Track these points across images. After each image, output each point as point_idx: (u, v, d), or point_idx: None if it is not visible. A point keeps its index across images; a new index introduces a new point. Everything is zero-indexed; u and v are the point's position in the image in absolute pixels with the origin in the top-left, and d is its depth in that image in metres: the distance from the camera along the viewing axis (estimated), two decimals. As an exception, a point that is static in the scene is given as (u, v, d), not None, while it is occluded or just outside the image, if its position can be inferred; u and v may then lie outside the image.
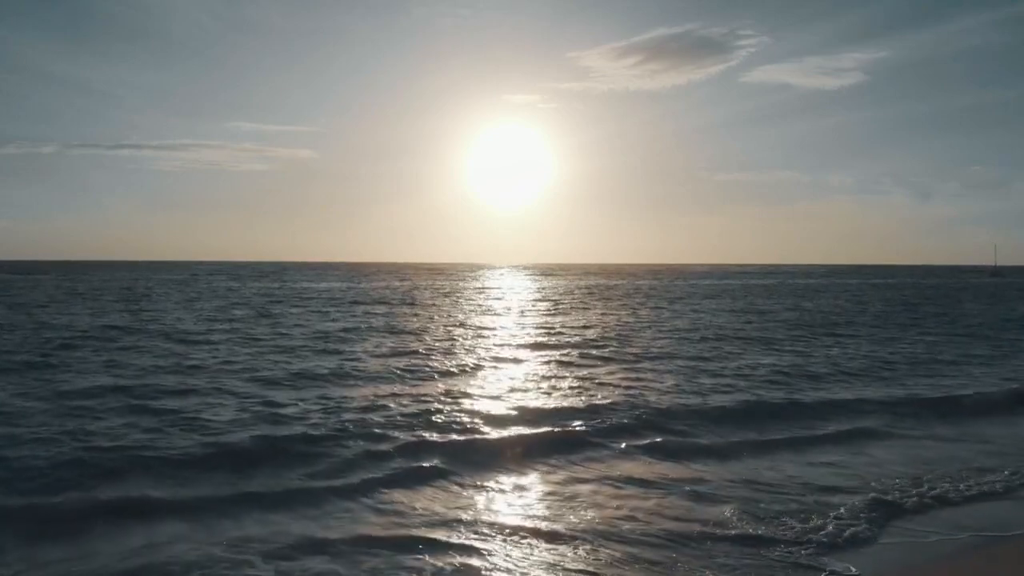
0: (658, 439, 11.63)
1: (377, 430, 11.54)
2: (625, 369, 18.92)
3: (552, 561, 7.14)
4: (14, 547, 7.34)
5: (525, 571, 6.90)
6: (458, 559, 7.17)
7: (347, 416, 12.57)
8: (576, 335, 27.30)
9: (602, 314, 39.03)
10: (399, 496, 8.89)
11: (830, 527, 8.02)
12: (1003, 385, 17.39)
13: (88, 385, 15.08)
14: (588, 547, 7.45)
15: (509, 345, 24.08)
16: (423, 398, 14.41)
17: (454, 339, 25.75)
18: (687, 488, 9.35)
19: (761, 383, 16.93)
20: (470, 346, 23.65)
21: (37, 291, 56.40)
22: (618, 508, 8.58)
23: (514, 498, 8.97)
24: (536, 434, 11.66)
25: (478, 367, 18.92)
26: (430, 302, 49.12)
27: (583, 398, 14.65)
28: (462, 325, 31.56)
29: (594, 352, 22.16)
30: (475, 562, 7.11)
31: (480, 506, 8.65)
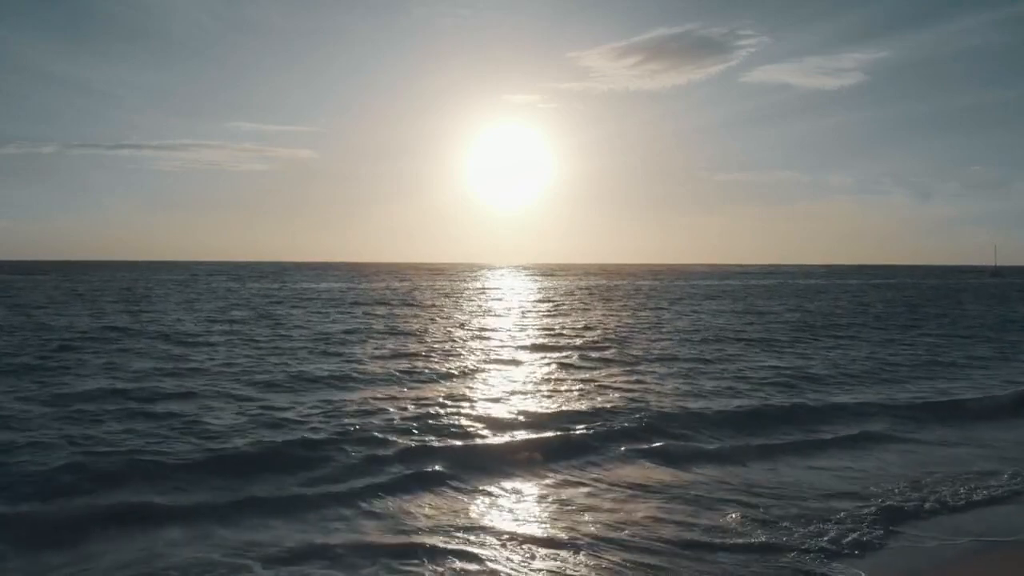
0: (660, 443, 11.58)
1: (377, 434, 11.49)
2: (626, 371, 18.88)
3: (552, 568, 7.10)
4: (14, 554, 7.31)
5: (526, 579, 6.86)
6: (458, 565, 7.13)
7: (347, 420, 12.53)
8: (577, 337, 27.25)
9: (603, 315, 38.99)
10: (399, 502, 8.85)
11: (834, 532, 7.98)
12: (1005, 387, 17.36)
13: (87, 388, 15.04)
14: (589, 554, 7.41)
15: (509, 347, 24.04)
16: (424, 401, 14.36)
17: (454, 341, 25.71)
18: (690, 493, 9.31)
19: (763, 386, 16.89)
20: (470, 348, 23.61)
21: (37, 292, 56.36)
22: (619, 514, 8.54)
23: (515, 504, 8.93)
24: (537, 439, 11.61)
25: (478, 369, 18.88)
26: (430, 303, 49.08)
27: (584, 401, 14.61)
28: (463, 326, 31.53)
29: (595, 354, 22.13)
30: (475, 568, 7.07)
31: (481, 512, 8.61)
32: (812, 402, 15.03)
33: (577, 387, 16.34)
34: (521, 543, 7.65)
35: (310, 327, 29.81)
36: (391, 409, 13.56)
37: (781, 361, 21.15)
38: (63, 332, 25.98)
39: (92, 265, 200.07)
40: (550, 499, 9.10)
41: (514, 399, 14.84)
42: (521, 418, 12.99)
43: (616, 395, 15.36)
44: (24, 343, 22.68)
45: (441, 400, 14.52)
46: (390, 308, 43.20)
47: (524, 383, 16.96)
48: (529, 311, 42.25)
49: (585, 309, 44.25)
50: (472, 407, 13.91)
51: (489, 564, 7.15)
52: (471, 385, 16.56)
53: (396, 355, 21.34)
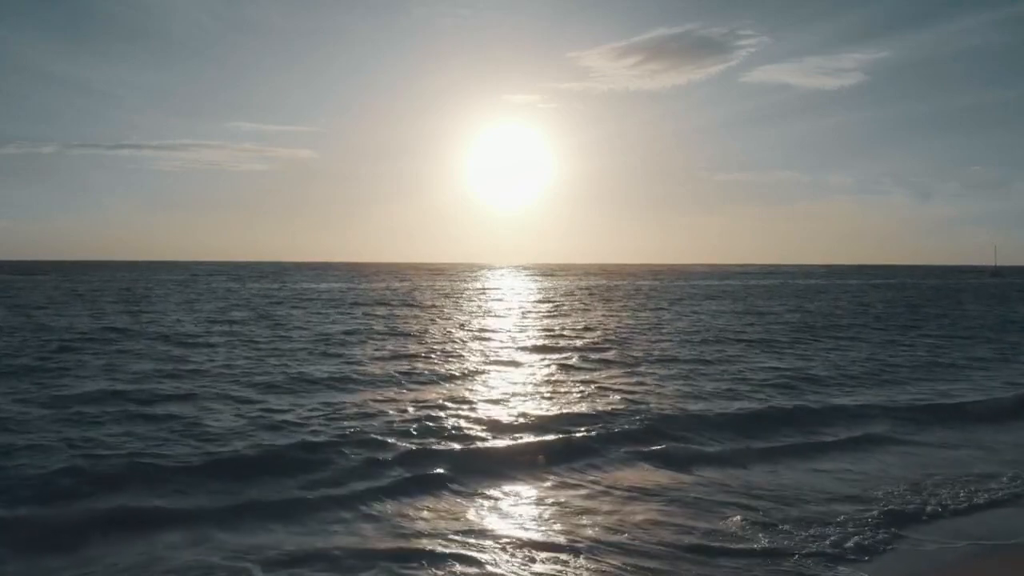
0: (661, 446, 11.56)
1: (377, 437, 11.46)
2: (626, 373, 18.87)
3: (553, 572, 7.09)
4: (13, 557, 7.30)
5: (527, 583, 6.85)
6: (459, 569, 7.12)
7: (347, 423, 12.50)
8: (577, 338, 27.24)
9: (603, 316, 38.98)
10: (400, 505, 8.83)
11: (836, 536, 7.97)
12: (1006, 389, 17.35)
13: (86, 390, 15.01)
14: (589, 557, 7.39)
15: (510, 348, 24.03)
16: (424, 404, 14.34)
17: (455, 342, 25.70)
18: (691, 496, 9.29)
19: (763, 387, 16.87)
20: (471, 349, 23.60)
21: (37, 292, 56.35)
22: (620, 517, 8.52)
23: (515, 507, 8.91)
24: (537, 441, 11.58)
25: (479, 371, 18.86)
26: (430, 303, 49.07)
27: (584, 403, 14.58)
28: (463, 327, 31.51)
29: (595, 355, 22.11)
30: (475, 572, 7.07)
31: (481, 516, 8.58)
32: (813, 404, 15.01)
33: (577, 389, 16.32)
34: (521, 547, 7.63)
35: (310, 328, 29.80)
36: (391, 411, 13.54)
37: (781, 362, 21.14)
38: (63, 333, 25.96)
39: (92, 265, 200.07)
40: (550, 502, 9.07)
41: (514, 401, 14.82)
42: (521, 420, 12.96)
43: (616, 397, 15.34)
44: (24, 344, 22.66)
45: (441, 402, 14.50)
46: (390, 308, 43.19)
47: (524, 385, 16.94)
48: (529, 312, 42.24)
49: (585, 310, 44.24)
50: (472, 409, 13.89)
51: (489, 568, 7.14)
52: (471, 387, 16.54)
53: (396, 356, 21.32)
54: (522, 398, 15.18)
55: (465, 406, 14.14)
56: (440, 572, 7.06)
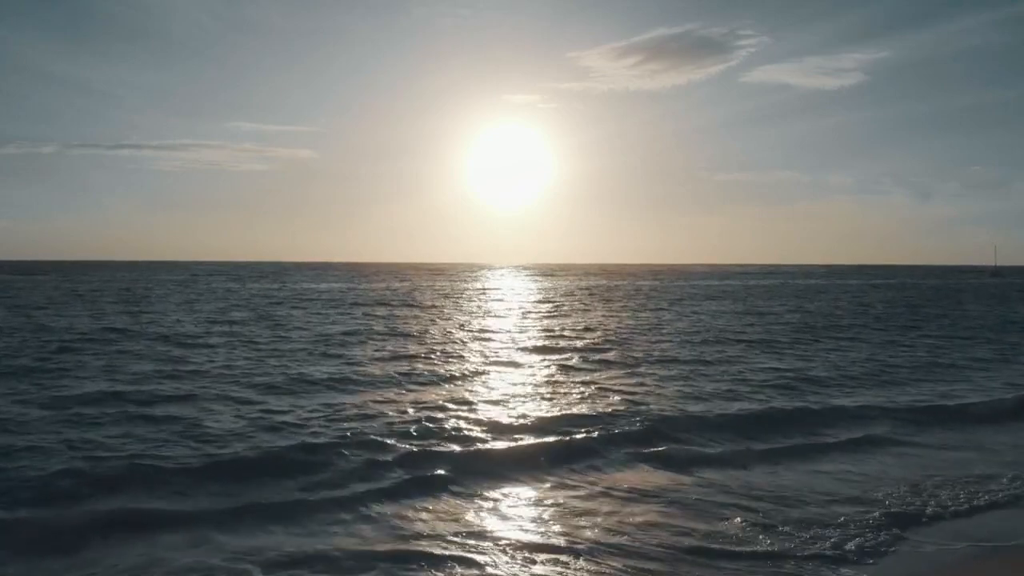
0: (661, 447, 11.55)
1: (378, 438, 11.44)
2: (627, 374, 18.86)
3: (552, 574, 7.08)
4: (13, 559, 7.29)
5: (527, 586, 6.84)
6: (459, 571, 7.12)
7: (347, 424, 12.49)
8: (577, 338, 27.23)
9: (603, 316, 38.97)
10: (400, 507, 8.81)
11: (837, 538, 7.96)
12: (1006, 390, 17.34)
13: (86, 391, 15.01)
14: (589, 559, 7.38)
15: (510, 349, 24.02)
16: (424, 405, 14.33)
17: (455, 342, 25.70)
18: (691, 498, 9.28)
19: (764, 388, 16.86)
20: (471, 350, 23.59)
21: (36, 292, 56.35)
22: (620, 519, 8.51)
23: (515, 509, 8.90)
24: (538, 443, 11.57)
25: (479, 372, 18.85)
26: (430, 303, 49.07)
27: (585, 405, 14.57)
28: (463, 328, 31.50)
29: (596, 356, 22.11)
30: (475, 574, 7.06)
31: (481, 518, 8.57)
32: (813, 405, 14.99)
33: (578, 390, 16.31)
34: (521, 549, 7.62)
35: (310, 328, 29.79)
36: (391, 412, 13.53)
37: (782, 363, 21.13)
38: (62, 334, 25.95)
39: (92, 265, 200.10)
40: (550, 504, 9.07)
41: (514, 402, 14.80)
42: (521, 422, 12.95)
43: (617, 398, 15.33)
44: (23, 345, 22.65)
45: (441, 403, 14.49)
46: (390, 309, 43.19)
47: (524, 386, 16.93)
48: (529, 312, 42.23)
49: (585, 310, 44.24)
50: (472, 410, 13.88)
51: (489, 570, 7.13)
52: (471, 388, 16.53)
53: (396, 357, 21.31)
54: (522, 399, 15.17)
55: (465, 407, 14.13)
56: (440, 574, 7.06)
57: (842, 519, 8.54)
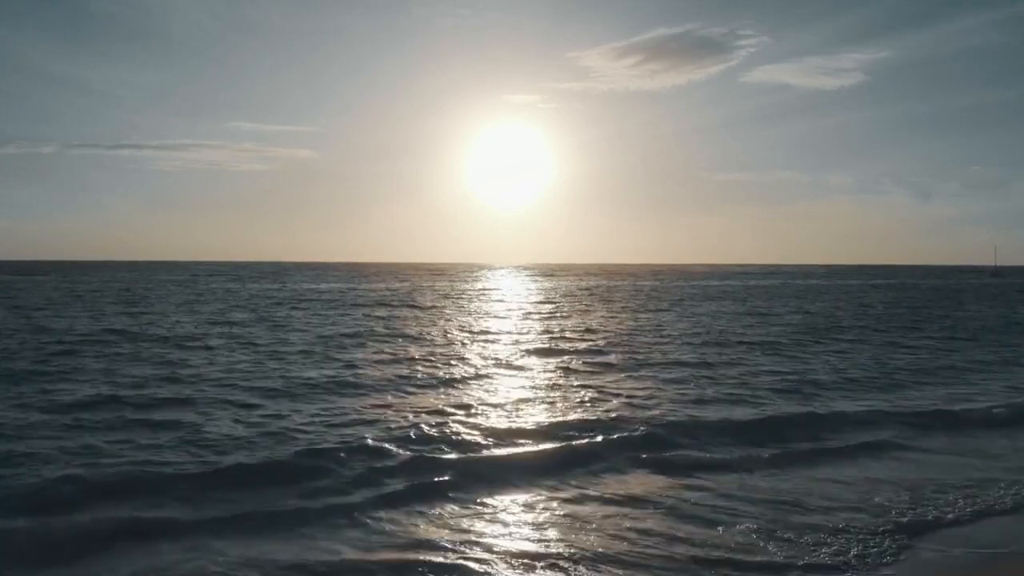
0: (663, 453, 11.48)
1: (378, 444, 11.37)
2: (628, 377, 18.80)
3: (556, 585, 7.03)
4: (10, 569, 7.25)
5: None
6: (459, 581, 7.06)
7: (347, 430, 12.43)
8: (578, 340, 27.19)
9: (604, 317, 38.92)
10: (400, 515, 8.75)
11: (840, 546, 7.91)
12: (1008, 393, 17.30)
13: (86, 394, 14.97)
14: (591, 568, 7.33)
15: (510, 351, 23.96)
16: (424, 409, 14.27)
17: (455, 344, 25.66)
18: (694, 505, 9.21)
19: (766, 392, 16.80)
20: (471, 352, 23.54)
21: (36, 293, 56.31)
22: (622, 527, 8.46)
23: (516, 517, 8.84)
24: (539, 449, 11.52)
25: (479, 375, 18.80)
26: (430, 304, 49.02)
27: (586, 409, 14.52)
28: (463, 329, 31.46)
29: (597, 359, 22.06)
30: (477, 585, 7.01)
31: (482, 526, 8.52)
32: (816, 409, 14.93)
33: (579, 394, 16.25)
34: (522, 557, 7.57)
35: (310, 330, 29.76)
36: (392, 417, 13.48)
37: (783, 366, 21.08)
38: (62, 335, 25.91)
39: (92, 265, 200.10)
40: (552, 511, 9.01)
41: (516, 407, 14.74)
42: (523, 427, 12.90)
43: (618, 402, 15.27)
44: (23, 347, 22.60)
45: (442, 408, 14.43)
46: (390, 310, 43.16)
47: (526, 389, 16.87)
48: (530, 313, 42.18)
49: (586, 311, 44.19)
50: (473, 415, 13.82)
51: (490, 581, 7.08)
52: (471, 392, 16.47)
53: (396, 360, 21.26)
54: (524, 403, 15.10)
55: (466, 412, 14.07)
56: (441, 584, 7.01)
57: (846, 526, 8.49)
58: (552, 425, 13.04)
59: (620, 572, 7.28)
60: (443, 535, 8.15)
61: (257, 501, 9.04)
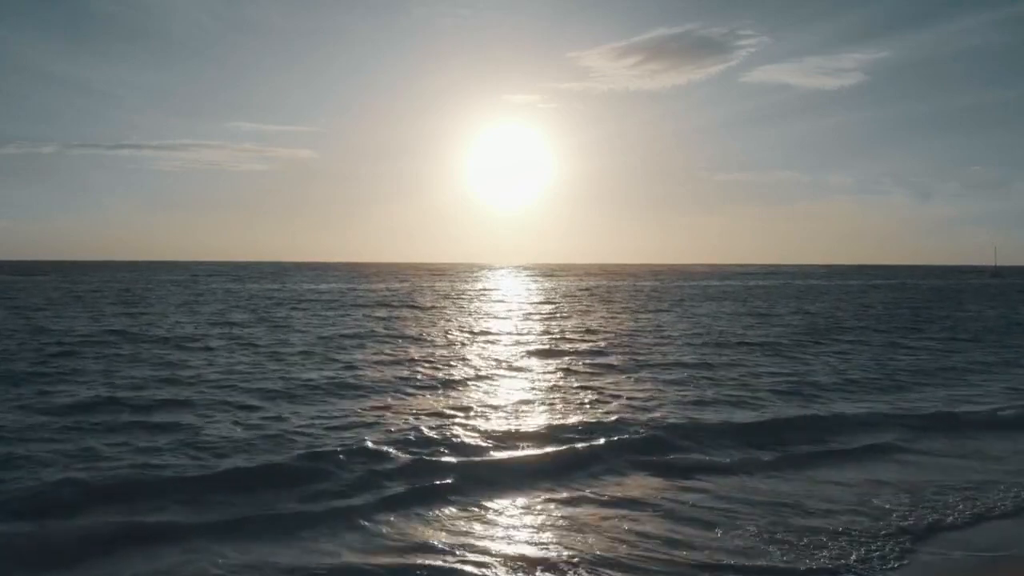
0: (664, 456, 11.45)
1: (378, 447, 11.33)
2: (629, 378, 18.78)
3: (556, 589, 7.01)
4: (9, 574, 7.22)
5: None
6: (460, 586, 7.05)
7: (347, 432, 12.40)
8: (578, 340, 27.17)
9: (604, 318, 38.90)
10: (400, 519, 8.73)
11: (841, 549, 7.89)
12: (1009, 394, 17.27)
13: (85, 396, 14.93)
14: (591, 574, 7.31)
15: (511, 352, 23.94)
16: (424, 411, 14.25)
17: (455, 345, 25.64)
18: (695, 509, 9.19)
19: (767, 394, 16.78)
20: (472, 353, 23.52)
21: (36, 293, 56.28)
22: (622, 530, 8.44)
23: (517, 520, 8.82)
24: (540, 452, 11.49)
25: (480, 377, 18.77)
26: (431, 305, 49.00)
27: (587, 411, 14.49)
28: (463, 330, 31.44)
29: (597, 360, 22.03)
30: (477, 589, 6.99)
31: (482, 529, 8.50)
32: (817, 411, 14.91)
33: (579, 396, 16.23)
34: (522, 561, 7.55)
35: (310, 331, 29.73)
36: (392, 420, 13.45)
37: (784, 367, 21.06)
38: (61, 336, 25.89)
39: (92, 265, 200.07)
40: (552, 515, 8.99)
41: (516, 409, 14.72)
42: (523, 429, 12.87)
43: (618, 404, 15.25)
44: (22, 348, 22.58)
45: (442, 410, 14.41)
46: (390, 310, 43.14)
47: (526, 391, 16.84)
48: (530, 314, 42.16)
49: (586, 311, 44.17)
50: (474, 418, 13.80)
51: (491, 585, 7.06)
52: (473, 394, 16.46)
53: (396, 361, 21.24)
54: (524, 406, 15.08)
55: (467, 414, 14.04)
56: (441, 588, 6.99)
57: (847, 529, 8.47)
58: (552, 427, 13.02)
59: (620, 576, 7.26)
60: (443, 538, 8.14)
61: (257, 504, 9.02)
